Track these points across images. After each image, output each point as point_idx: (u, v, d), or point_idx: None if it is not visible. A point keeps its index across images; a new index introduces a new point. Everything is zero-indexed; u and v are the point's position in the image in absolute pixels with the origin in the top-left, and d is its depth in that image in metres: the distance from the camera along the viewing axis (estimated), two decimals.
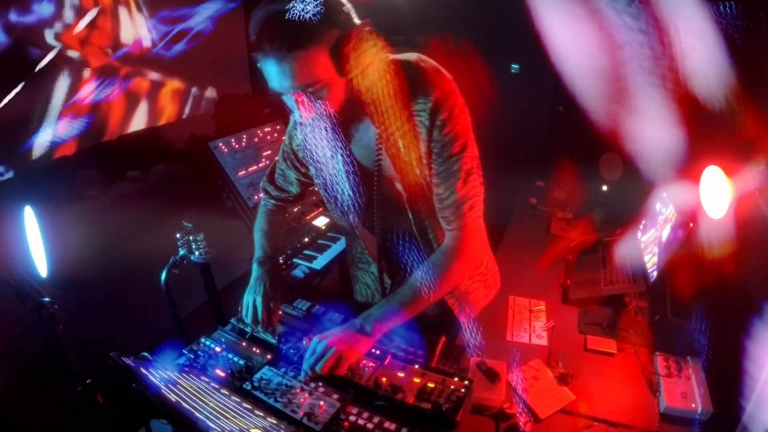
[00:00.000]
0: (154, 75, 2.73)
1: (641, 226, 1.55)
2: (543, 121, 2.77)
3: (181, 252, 1.34)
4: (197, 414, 0.69)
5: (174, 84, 2.98)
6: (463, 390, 1.01)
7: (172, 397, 0.72)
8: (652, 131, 1.39)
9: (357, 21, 0.94)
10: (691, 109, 1.22)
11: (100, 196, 2.30)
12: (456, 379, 1.06)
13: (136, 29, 2.33)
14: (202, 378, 0.93)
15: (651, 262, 1.37)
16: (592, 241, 1.73)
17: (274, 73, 0.87)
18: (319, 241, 2.06)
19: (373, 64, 0.94)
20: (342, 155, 1.12)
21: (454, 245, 1.09)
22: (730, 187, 1.08)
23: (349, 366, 1.06)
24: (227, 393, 0.91)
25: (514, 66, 3.19)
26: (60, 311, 1.54)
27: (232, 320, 1.28)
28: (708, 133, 1.20)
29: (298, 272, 1.84)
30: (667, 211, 1.36)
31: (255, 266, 1.25)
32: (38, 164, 1.97)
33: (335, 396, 1.00)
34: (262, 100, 3.29)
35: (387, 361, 1.11)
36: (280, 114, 2.45)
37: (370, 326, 1.04)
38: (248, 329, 1.25)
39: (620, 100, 1.59)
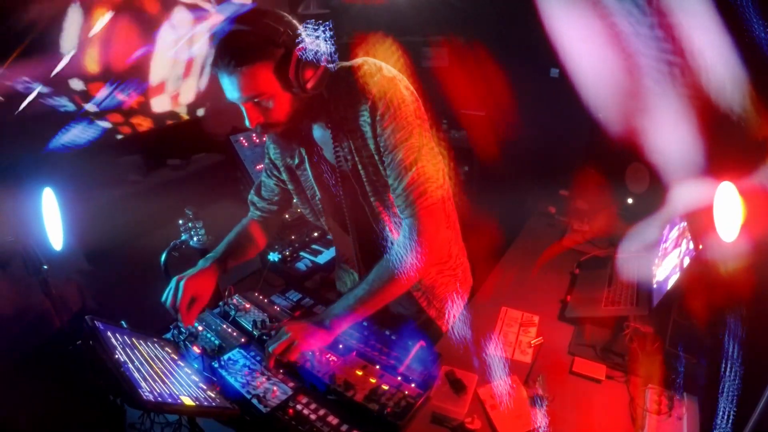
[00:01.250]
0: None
1: (659, 242, 1.40)
2: (581, 128, 2.58)
3: (183, 237, 1.46)
4: (136, 374, 0.76)
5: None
6: (415, 398, 1.00)
7: (122, 358, 0.80)
8: (675, 141, 1.26)
9: (305, 40, 1.00)
10: (716, 120, 1.09)
11: (141, 181, 2.54)
12: (413, 385, 1.04)
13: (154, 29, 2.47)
14: (167, 349, 1.01)
15: (658, 284, 1.23)
16: (603, 255, 1.59)
17: (226, 85, 0.98)
18: (328, 237, 2.11)
19: (319, 76, 1.01)
20: (309, 160, 1.18)
21: (408, 234, 1.09)
22: (742, 206, 0.94)
23: (311, 356, 1.09)
24: (183, 364, 0.98)
25: (554, 70, 3.02)
26: (85, 284, 1.73)
27: (221, 303, 1.37)
28: (731, 147, 1.05)
29: (300, 265, 1.91)
30: (681, 228, 1.21)
31: (200, 261, 1.24)
32: (74, 151, 2.20)
33: (291, 384, 1.04)
34: None
35: (349, 358, 1.12)
36: None
37: (329, 321, 1.07)
38: (232, 312, 1.33)
39: (645, 107, 1.45)
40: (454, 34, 3.47)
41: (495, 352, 1.27)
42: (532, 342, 1.30)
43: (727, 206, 0.99)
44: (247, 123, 1.03)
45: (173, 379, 0.85)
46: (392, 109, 1.02)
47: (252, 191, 1.42)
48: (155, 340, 1.03)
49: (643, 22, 1.30)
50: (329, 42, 1.03)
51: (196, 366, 1.11)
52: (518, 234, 1.96)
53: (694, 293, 1.08)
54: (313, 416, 0.95)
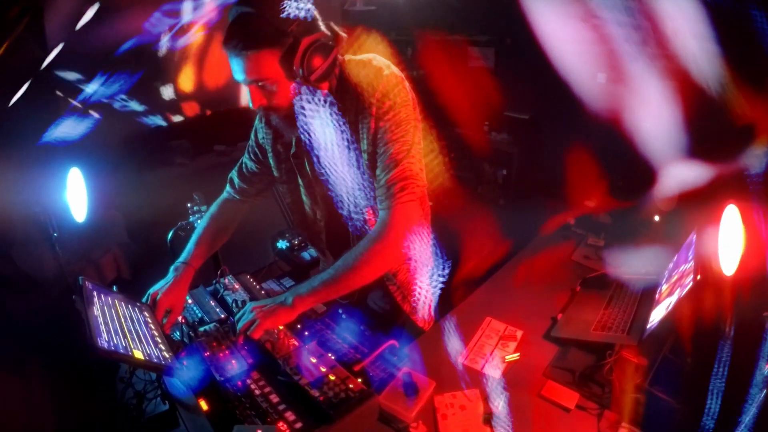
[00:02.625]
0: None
1: (669, 268, 1.23)
2: (619, 138, 2.34)
3: (191, 219, 1.60)
4: (102, 327, 0.87)
5: None
6: (357, 393, 1.00)
7: (96, 312, 0.91)
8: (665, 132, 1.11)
9: (320, 29, 1.02)
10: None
11: (188, 164, 2.79)
12: (360, 380, 1.05)
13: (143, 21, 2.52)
14: (145, 313, 1.12)
15: (656, 315, 1.09)
16: (612, 273, 1.43)
17: (233, 65, 1.03)
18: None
19: (325, 69, 1.03)
20: (302, 147, 1.20)
21: (380, 226, 1.11)
22: (743, 234, 0.80)
23: (273, 338, 1.15)
24: (154, 327, 1.09)
25: (600, 75, 2.79)
26: (123, 256, 1.94)
27: (213, 281, 1.48)
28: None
29: (305, 254, 1.98)
30: (681, 272, 1.05)
31: (171, 270, 1.29)
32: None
33: (250, 360, 1.11)
34: None
35: (308, 345, 1.16)
36: None
37: (292, 298, 1.12)
38: (220, 290, 1.43)
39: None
40: (504, 35, 3.33)
41: (465, 363, 1.23)
42: (506, 358, 1.22)
43: (731, 232, 0.85)
44: (250, 104, 1.08)
45: (135, 336, 0.95)
46: (396, 107, 1.07)
47: (234, 169, 1.46)
48: (138, 305, 1.15)
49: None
50: (341, 35, 1.06)
51: (177, 334, 1.22)
52: (527, 242, 1.84)
53: (686, 328, 0.95)
54: (257, 392, 1.00)
